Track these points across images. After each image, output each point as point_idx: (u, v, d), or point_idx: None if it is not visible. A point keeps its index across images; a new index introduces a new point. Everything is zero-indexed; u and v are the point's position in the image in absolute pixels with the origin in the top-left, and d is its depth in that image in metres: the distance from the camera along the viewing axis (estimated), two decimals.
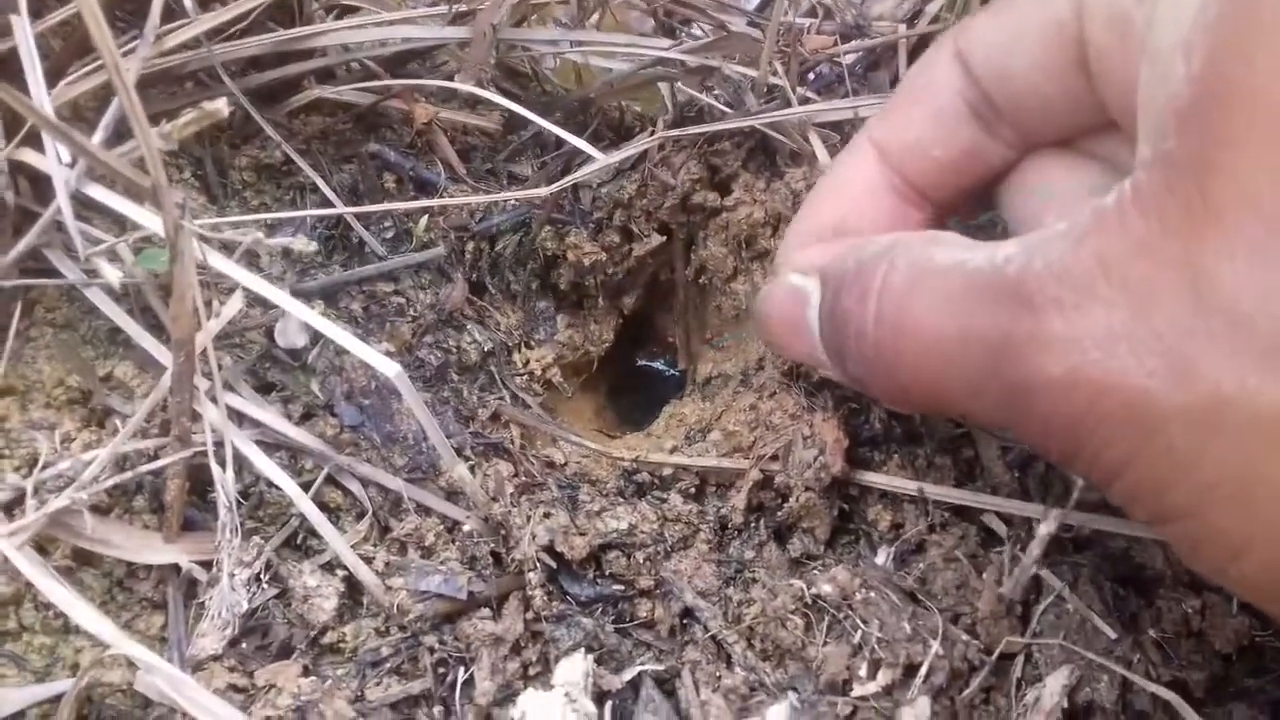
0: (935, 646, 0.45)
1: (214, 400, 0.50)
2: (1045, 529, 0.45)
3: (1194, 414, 0.30)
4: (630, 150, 0.62)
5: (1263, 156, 0.29)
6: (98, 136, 0.52)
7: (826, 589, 0.47)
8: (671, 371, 0.77)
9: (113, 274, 0.50)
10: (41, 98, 0.52)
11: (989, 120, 0.45)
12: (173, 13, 0.58)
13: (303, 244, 0.49)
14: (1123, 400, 0.32)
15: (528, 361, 0.65)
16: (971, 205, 0.50)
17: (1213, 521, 0.32)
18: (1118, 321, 0.31)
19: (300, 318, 0.50)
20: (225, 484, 0.49)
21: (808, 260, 0.45)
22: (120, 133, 0.53)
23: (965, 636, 0.46)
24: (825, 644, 0.46)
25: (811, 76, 0.70)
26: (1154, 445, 0.32)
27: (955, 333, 0.36)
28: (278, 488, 0.50)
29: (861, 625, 0.46)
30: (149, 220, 0.50)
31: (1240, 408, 0.29)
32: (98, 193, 0.51)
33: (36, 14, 0.55)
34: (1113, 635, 0.45)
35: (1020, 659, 0.46)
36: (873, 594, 0.47)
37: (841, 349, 0.42)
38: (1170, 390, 0.30)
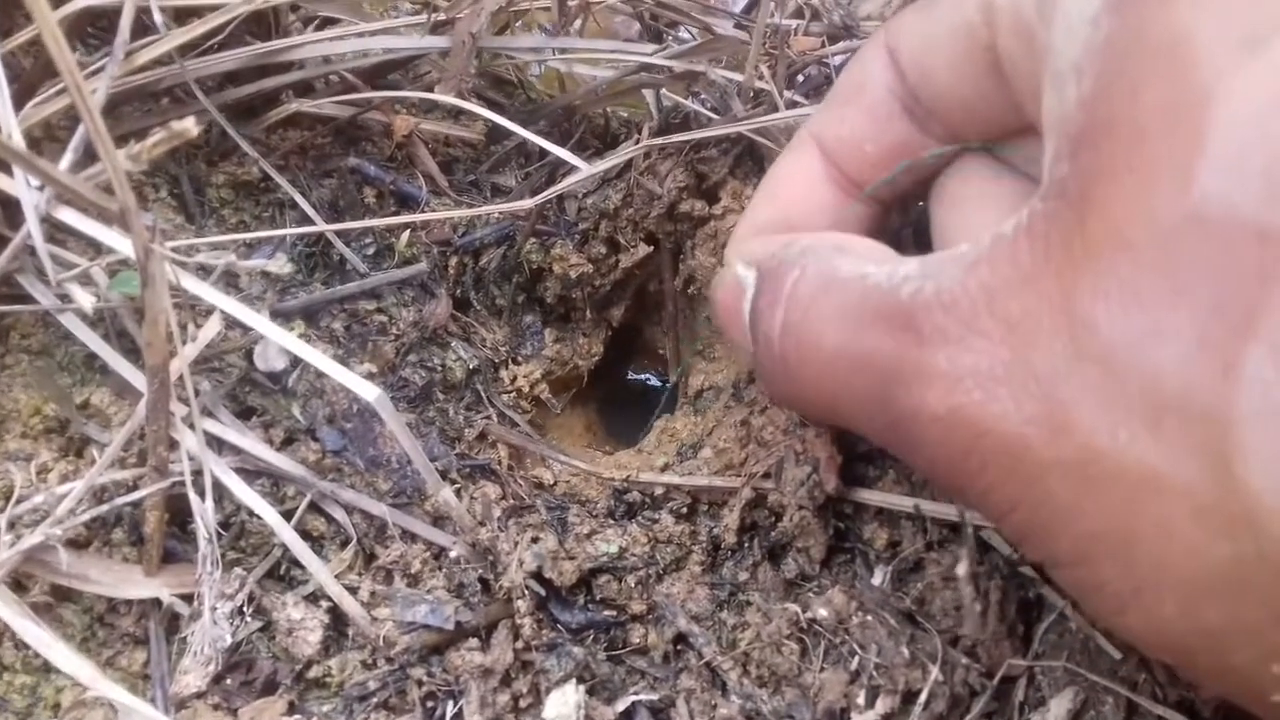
0: (935, 672, 0.44)
1: (192, 427, 0.49)
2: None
3: (1069, 466, 0.29)
4: (615, 159, 0.61)
5: (1141, 195, 0.28)
6: (67, 159, 0.51)
7: (822, 613, 0.46)
8: (662, 384, 0.76)
9: (85, 299, 0.49)
10: (8, 120, 0.50)
11: (920, 117, 0.44)
12: (146, 28, 0.56)
13: (278, 266, 0.47)
14: (1002, 447, 0.31)
15: (515, 378, 0.64)
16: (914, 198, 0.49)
17: (1095, 574, 0.31)
18: (999, 361, 0.30)
19: (277, 341, 0.48)
20: (204, 514, 0.48)
21: (752, 250, 0.44)
22: (91, 153, 0.52)
23: (965, 660, 0.45)
24: (822, 670, 0.45)
25: (800, 79, 0.68)
26: (1034, 494, 0.31)
27: (849, 354, 0.36)
28: (259, 517, 0.49)
29: (859, 650, 0.45)
30: (121, 243, 0.48)
31: (1112, 462, 0.28)
32: (69, 216, 0.50)
33: (6, 33, 0.54)
34: (1117, 655, 0.44)
35: (1023, 682, 0.45)
36: (869, 617, 0.46)
37: (755, 348, 0.41)
38: (1047, 440, 0.29)
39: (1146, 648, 0.34)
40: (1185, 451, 0.27)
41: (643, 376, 0.78)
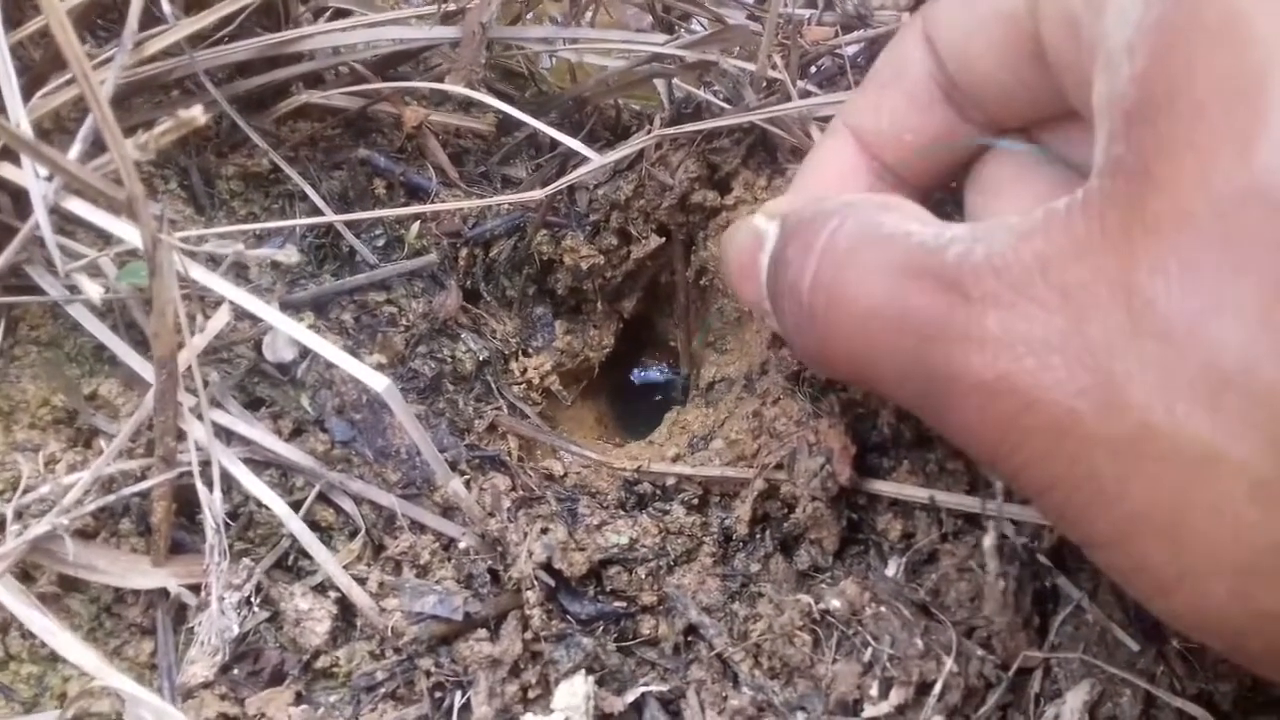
0: (949, 663, 0.43)
1: (200, 418, 0.49)
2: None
3: (1120, 441, 0.29)
4: (626, 150, 0.60)
5: (1200, 171, 0.27)
6: (75, 149, 0.51)
7: (835, 604, 0.46)
8: (675, 376, 0.76)
9: (93, 290, 0.48)
10: (17, 111, 0.50)
11: (959, 103, 0.43)
12: (156, 19, 0.56)
13: (286, 255, 0.47)
14: (1050, 418, 0.30)
15: (525, 370, 0.63)
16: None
17: (1140, 554, 0.30)
18: (1054, 329, 0.30)
19: (286, 332, 0.48)
20: (212, 505, 0.48)
21: (777, 205, 0.43)
22: (100, 144, 0.52)
23: (980, 651, 0.44)
24: (835, 661, 0.45)
25: (813, 69, 0.68)
26: (1078, 470, 0.30)
27: (887, 311, 0.35)
28: (267, 507, 0.49)
29: (872, 642, 0.45)
30: (130, 234, 0.48)
31: (1167, 438, 0.28)
32: (78, 206, 0.50)
33: (17, 23, 0.54)
34: (1134, 647, 0.43)
35: (1038, 673, 0.44)
36: (883, 608, 0.45)
37: (778, 301, 0.40)
38: (1098, 413, 0.29)
39: (1193, 631, 0.33)
40: (1245, 428, 0.26)
41: (654, 368, 0.78)
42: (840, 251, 0.37)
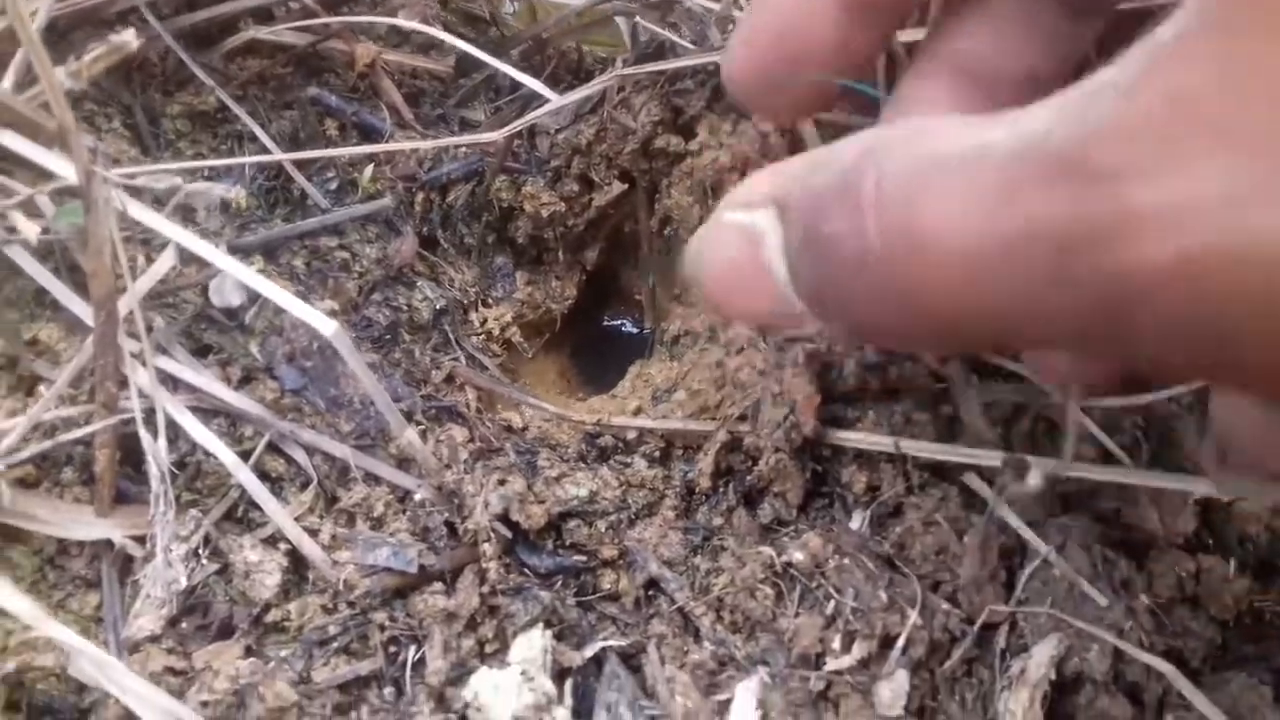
0: (913, 617, 0.42)
1: (144, 363, 0.47)
2: (1034, 480, 0.41)
3: None
4: (587, 91, 0.58)
5: None
6: (8, 79, 0.48)
7: (798, 556, 0.45)
8: (639, 330, 0.74)
9: (30, 229, 0.46)
10: None
11: None
12: None
13: (224, 190, 0.45)
14: (1268, 273, 0.23)
15: (485, 320, 0.62)
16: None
17: None
18: (1237, 173, 0.23)
19: (233, 275, 0.46)
20: (156, 453, 0.46)
21: (749, 191, 0.34)
22: (33, 75, 0.50)
23: (945, 605, 0.43)
24: (797, 615, 0.44)
25: None
26: None
27: (998, 232, 0.27)
28: (215, 457, 0.47)
29: (835, 595, 0.44)
30: (67, 169, 0.46)
31: None
32: (10, 140, 0.47)
33: None
34: (1103, 602, 0.42)
35: (1005, 628, 0.43)
36: (846, 561, 0.44)
37: (829, 289, 0.33)
38: None
39: None
40: None
41: (618, 322, 0.76)
42: (900, 197, 0.30)
